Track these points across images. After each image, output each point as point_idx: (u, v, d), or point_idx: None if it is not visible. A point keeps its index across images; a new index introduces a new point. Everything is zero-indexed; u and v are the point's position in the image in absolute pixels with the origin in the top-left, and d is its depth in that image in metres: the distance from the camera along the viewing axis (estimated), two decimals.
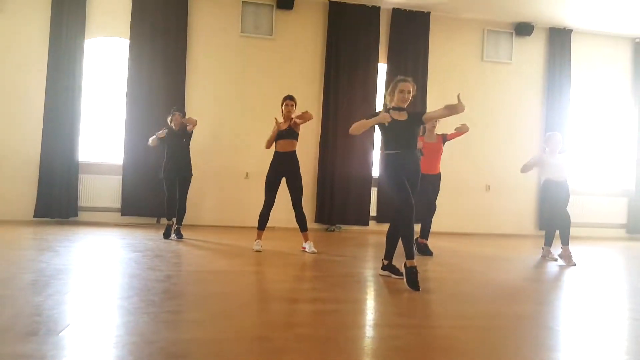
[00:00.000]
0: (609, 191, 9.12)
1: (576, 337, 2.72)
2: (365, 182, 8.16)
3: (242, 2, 7.90)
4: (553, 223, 5.81)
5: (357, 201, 8.12)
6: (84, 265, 4.12)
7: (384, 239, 4.22)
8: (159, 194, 6.87)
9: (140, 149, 7.43)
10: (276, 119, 5.31)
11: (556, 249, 5.73)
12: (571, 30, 8.84)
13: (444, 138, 5.70)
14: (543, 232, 6.56)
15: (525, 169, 5.88)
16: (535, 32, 8.74)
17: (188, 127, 6.11)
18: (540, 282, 4.50)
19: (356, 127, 4.03)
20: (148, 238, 5.99)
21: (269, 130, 5.39)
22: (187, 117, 6.22)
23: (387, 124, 3.88)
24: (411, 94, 3.99)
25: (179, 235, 6.06)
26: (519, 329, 2.81)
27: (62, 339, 2.21)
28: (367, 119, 4.00)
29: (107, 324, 2.51)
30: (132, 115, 7.50)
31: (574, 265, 5.34)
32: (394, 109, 4.00)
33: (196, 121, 6.10)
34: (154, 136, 6.13)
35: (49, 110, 7.26)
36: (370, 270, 4.55)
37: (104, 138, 7.85)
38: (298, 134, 5.34)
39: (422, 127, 5.00)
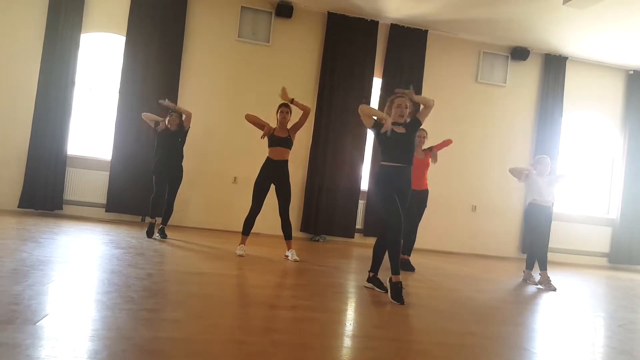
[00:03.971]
0: (594, 220, 9.22)
1: None
2: (353, 194, 8.18)
3: (241, 7, 7.93)
4: (532, 247, 5.89)
5: (344, 213, 8.14)
6: (65, 257, 4.09)
7: (369, 252, 4.25)
8: (145, 192, 6.84)
9: (130, 147, 7.42)
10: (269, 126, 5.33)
11: (537, 274, 5.78)
12: (566, 58, 8.99)
13: (432, 151, 5.76)
14: (525, 255, 6.61)
15: (514, 171, 5.96)
16: (531, 57, 8.88)
17: (185, 123, 6.14)
18: (519, 304, 4.54)
19: (363, 108, 4.12)
20: (131, 236, 5.95)
21: (259, 135, 5.39)
22: (179, 107, 6.24)
23: (387, 133, 3.91)
24: (408, 109, 4.05)
25: (163, 235, 6.04)
26: (493, 349, 2.84)
27: (38, 329, 2.20)
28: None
29: (85, 318, 2.50)
30: (124, 112, 7.47)
31: (554, 289, 5.39)
32: (392, 124, 4.05)
33: (190, 113, 6.19)
34: (149, 114, 6.18)
35: (40, 101, 7.22)
36: (352, 282, 4.57)
37: (94, 133, 7.81)
38: (292, 144, 5.36)
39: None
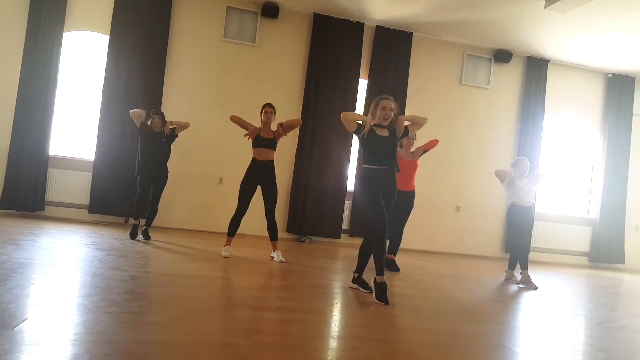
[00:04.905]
0: (574, 220, 9.38)
1: (532, 359, 2.79)
2: (339, 195, 8.20)
3: (227, 7, 7.90)
4: (514, 248, 5.96)
5: (330, 213, 8.15)
6: (46, 260, 4.03)
7: (354, 252, 4.27)
8: (129, 193, 6.78)
9: (113, 147, 7.33)
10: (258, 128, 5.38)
11: (519, 273, 5.85)
12: (548, 61, 9.12)
13: (421, 152, 5.81)
14: (508, 255, 6.69)
15: (499, 173, 6.02)
16: (514, 59, 8.99)
17: (177, 130, 6.13)
18: (501, 303, 4.60)
19: (346, 114, 4.10)
20: (114, 237, 5.89)
21: (245, 136, 5.39)
22: (173, 120, 6.19)
23: (365, 135, 3.95)
24: (393, 112, 4.07)
25: (147, 237, 5.97)
26: (476, 348, 2.87)
27: (17, 334, 2.16)
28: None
29: (66, 321, 2.47)
30: (107, 112, 7.38)
31: (535, 288, 5.47)
32: (376, 126, 4.07)
33: (188, 124, 6.20)
34: (137, 110, 6.10)
35: (21, 101, 7.10)
36: (337, 283, 4.58)
37: (76, 133, 7.70)
38: (277, 144, 5.37)
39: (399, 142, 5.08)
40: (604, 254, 9.25)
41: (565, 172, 9.56)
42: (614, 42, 7.99)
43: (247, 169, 5.30)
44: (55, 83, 7.31)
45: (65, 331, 2.32)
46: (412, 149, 5.81)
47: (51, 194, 7.31)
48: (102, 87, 7.45)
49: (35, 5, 7.16)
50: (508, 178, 5.92)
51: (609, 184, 9.36)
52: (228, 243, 5.31)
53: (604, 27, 7.44)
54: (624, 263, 9.31)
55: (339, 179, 8.21)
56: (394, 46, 8.45)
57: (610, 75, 9.45)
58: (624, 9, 6.78)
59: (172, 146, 6.27)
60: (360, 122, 4.04)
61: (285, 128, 5.32)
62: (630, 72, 9.31)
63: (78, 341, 2.18)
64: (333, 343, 2.72)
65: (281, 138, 5.36)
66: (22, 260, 3.84)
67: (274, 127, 5.39)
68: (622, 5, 6.68)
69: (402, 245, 5.95)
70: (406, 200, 5.67)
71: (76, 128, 7.73)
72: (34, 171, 7.13)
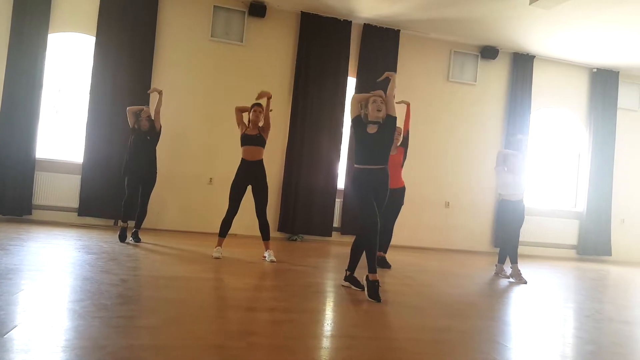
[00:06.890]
0: (562, 213, 9.49)
1: (523, 353, 2.83)
2: (329, 193, 8.20)
3: (214, 6, 7.86)
4: (503, 242, 6.02)
5: (321, 212, 8.15)
6: (35, 265, 3.99)
7: (346, 250, 4.29)
8: (118, 195, 6.73)
9: (102, 149, 7.27)
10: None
11: (509, 267, 5.91)
12: (533, 57, 9.20)
13: (405, 147, 5.80)
14: (498, 250, 6.75)
15: (499, 155, 6.08)
16: (500, 56, 9.06)
17: (155, 124, 6.06)
18: (492, 298, 4.64)
19: (356, 95, 4.28)
20: (104, 240, 5.84)
21: (234, 135, 5.38)
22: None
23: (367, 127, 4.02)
24: (384, 105, 4.08)
25: (137, 239, 5.93)
26: (468, 344, 2.90)
27: (7, 341, 2.15)
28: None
29: (57, 327, 2.45)
30: (95, 113, 7.31)
31: (525, 283, 5.53)
32: (368, 122, 4.08)
33: (161, 90, 6.15)
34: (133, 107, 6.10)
35: (6, 104, 7.00)
36: (330, 281, 4.59)
37: (64, 136, 7.63)
38: (265, 142, 5.36)
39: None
40: (591, 246, 9.37)
41: (552, 166, 9.66)
42: (598, 37, 8.08)
43: (237, 169, 5.28)
44: (40, 85, 7.21)
45: (56, 337, 2.31)
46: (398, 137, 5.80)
47: (39, 198, 7.22)
48: (89, 88, 7.37)
49: (19, 6, 7.07)
50: (500, 168, 5.98)
51: (595, 177, 9.48)
52: (219, 244, 5.30)
53: (588, 22, 7.52)
54: (610, 255, 9.44)
55: (330, 177, 8.22)
56: (382, 44, 8.47)
57: (595, 69, 9.56)
58: (607, 5, 6.85)
59: (161, 147, 6.23)
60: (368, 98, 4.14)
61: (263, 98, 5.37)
62: (614, 66, 9.43)
63: (69, 347, 2.17)
64: (326, 342, 2.73)
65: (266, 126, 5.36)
66: (10, 266, 3.80)
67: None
68: (605, 1, 6.75)
69: (392, 242, 5.98)
70: (395, 197, 5.67)
71: (63, 130, 7.65)
72: (20, 175, 7.04)
